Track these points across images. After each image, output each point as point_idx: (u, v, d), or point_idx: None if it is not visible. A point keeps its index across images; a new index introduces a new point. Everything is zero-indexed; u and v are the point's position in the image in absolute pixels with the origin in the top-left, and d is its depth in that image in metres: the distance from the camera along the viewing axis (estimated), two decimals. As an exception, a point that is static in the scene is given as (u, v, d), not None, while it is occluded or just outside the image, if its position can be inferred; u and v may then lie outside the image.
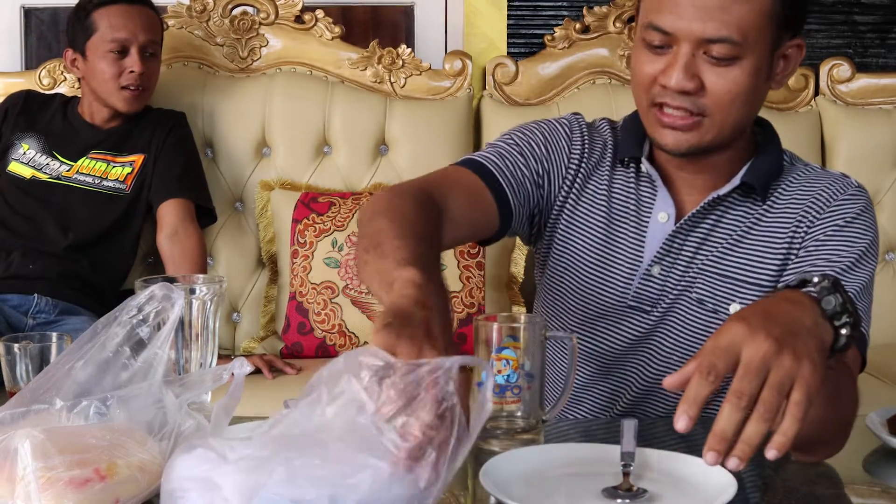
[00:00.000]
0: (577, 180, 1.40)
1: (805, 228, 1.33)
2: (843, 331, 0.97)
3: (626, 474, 1.00)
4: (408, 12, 2.97)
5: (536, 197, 1.39)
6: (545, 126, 1.42)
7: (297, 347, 2.44)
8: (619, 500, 0.97)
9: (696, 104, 1.25)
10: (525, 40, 2.93)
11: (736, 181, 1.34)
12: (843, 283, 1.20)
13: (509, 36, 2.91)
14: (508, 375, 1.16)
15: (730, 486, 0.97)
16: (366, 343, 2.40)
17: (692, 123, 1.26)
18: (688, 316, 1.36)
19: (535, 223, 1.42)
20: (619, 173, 1.40)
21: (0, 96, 2.61)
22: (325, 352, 2.42)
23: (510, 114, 2.70)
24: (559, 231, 1.41)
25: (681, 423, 0.88)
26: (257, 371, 2.23)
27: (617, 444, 1.02)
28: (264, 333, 2.58)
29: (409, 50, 2.74)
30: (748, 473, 1.07)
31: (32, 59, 2.90)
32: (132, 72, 2.40)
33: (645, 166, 1.37)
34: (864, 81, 2.78)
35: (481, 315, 1.21)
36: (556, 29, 2.78)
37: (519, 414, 1.18)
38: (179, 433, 0.97)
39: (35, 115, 2.51)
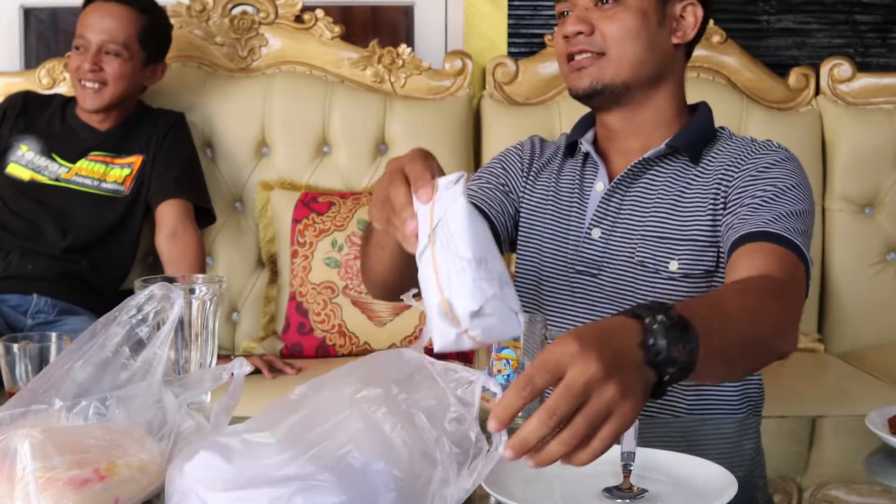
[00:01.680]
0: (531, 177, 1.58)
1: (727, 181, 1.42)
2: (666, 378, 0.92)
3: (626, 474, 1.00)
4: (408, 12, 2.97)
5: (509, 203, 1.57)
6: (499, 154, 1.63)
7: (296, 347, 2.44)
8: (618, 500, 0.97)
9: (592, 43, 1.44)
10: (525, 40, 2.93)
11: (662, 146, 1.47)
12: (770, 209, 1.32)
13: (509, 35, 2.91)
14: (508, 375, 1.16)
15: (730, 486, 0.97)
16: (366, 343, 2.40)
17: (592, 59, 1.44)
18: (633, 279, 1.44)
19: (517, 226, 1.58)
20: (568, 163, 1.57)
21: (0, 96, 2.61)
22: (325, 352, 2.42)
23: (510, 113, 2.70)
24: (521, 222, 1.56)
25: (490, 424, 0.85)
26: (257, 371, 2.23)
27: (617, 444, 1.02)
28: (264, 333, 2.58)
29: (409, 50, 2.74)
30: (748, 473, 1.07)
31: (32, 59, 2.90)
32: (83, 67, 2.39)
33: (584, 146, 1.52)
34: (865, 81, 2.77)
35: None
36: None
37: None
38: (179, 433, 0.97)
39: (34, 116, 2.50)
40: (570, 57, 1.46)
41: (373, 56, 2.72)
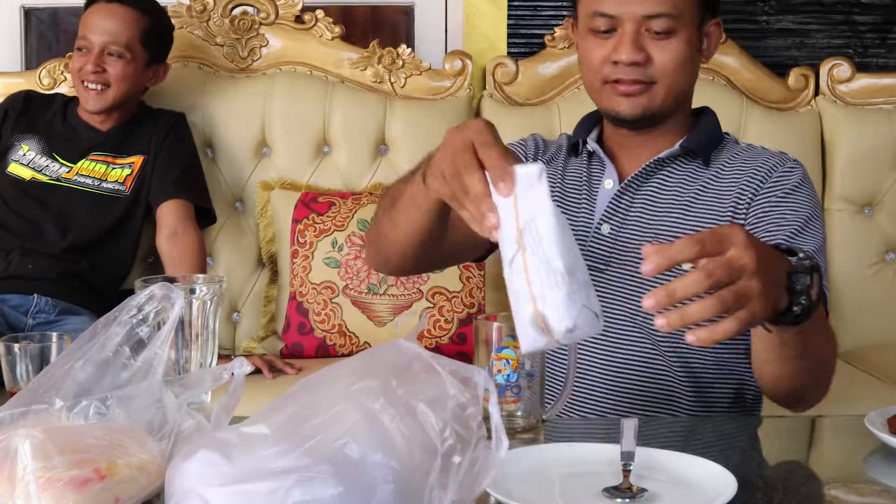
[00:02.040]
0: None
1: (749, 198, 1.43)
2: (795, 308, 1.03)
3: (626, 474, 1.00)
4: (408, 12, 2.97)
5: None
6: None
7: (297, 347, 2.44)
8: (618, 500, 0.97)
9: (645, 73, 1.42)
10: (525, 40, 2.93)
11: (676, 147, 1.48)
12: (795, 244, 1.34)
13: (509, 36, 2.91)
14: (508, 375, 1.17)
15: (730, 486, 0.97)
16: (366, 343, 2.41)
17: (643, 88, 1.42)
18: (642, 276, 1.41)
19: None
20: (573, 162, 1.57)
21: (0, 96, 2.61)
22: (325, 352, 2.42)
23: (510, 114, 2.70)
24: None
25: (646, 265, 0.94)
26: (258, 371, 2.23)
27: (617, 444, 1.02)
28: (264, 333, 2.58)
29: (409, 50, 2.74)
30: (748, 473, 1.07)
31: (32, 59, 2.90)
32: (86, 69, 2.39)
33: (591, 145, 1.52)
34: (865, 81, 2.78)
35: (481, 315, 1.22)
36: (556, 29, 2.78)
37: (519, 413, 1.18)
38: (179, 433, 0.97)
39: (35, 116, 2.51)
40: (615, 79, 1.42)
41: (373, 56, 2.72)
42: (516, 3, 2.92)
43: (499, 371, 1.17)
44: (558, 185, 1.55)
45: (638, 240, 1.45)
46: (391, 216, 1.33)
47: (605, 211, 1.48)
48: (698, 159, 1.48)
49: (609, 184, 1.50)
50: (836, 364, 1.31)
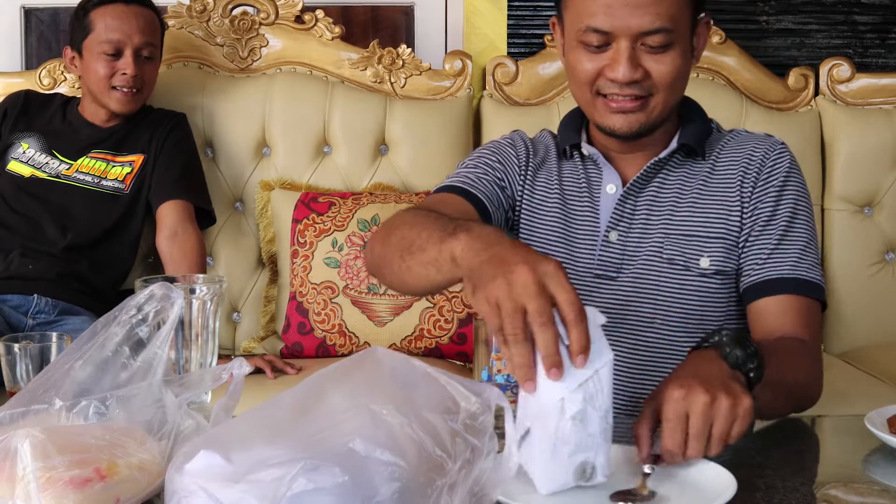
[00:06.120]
0: (528, 177, 1.54)
1: (750, 188, 1.44)
2: (752, 374, 1.11)
3: (644, 477, 1.00)
4: (408, 12, 2.97)
5: (504, 198, 1.53)
6: (491, 144, 1.58)
7: (297, 347, 2.44)
8: (619, 501, 0.97)
9: (642, 88, 1.38)
10: (525, 40, 2.93)
11: (673, 145, 1.47)
12: (788, 241, 1.40)
13: (509, 36, 2.91)
14: (508, 375, 1.17)
15: (730, 486, 0.97)
16: (366, 343, 2.41)
17: (640, 104, 1.39)
18: (657, 278, 1.44)
19: (510, 226, 1.55)
20: (566, 164, 1.54)
21: (0, 96, 2.61)
22: (326, 352, 2.42)
23: (510, 114, 2.70)
24: (522, 225, 1.53)
25: (641, 458, 1.04)
26: (258, 371, 2.23)
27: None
28: (264, 333, 2.58)
29: (409, 50, 2.74)
30: (748, 473, 1.07)
31: (32, 59, 2.90)
32: (124, 73, 2.39)
33: (586, 149, 1.50)
34: (864, 81, 2.78)
35: (481, 315, 1.21)
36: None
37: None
38: (179, 433, 0.97)
39: (34, 115, 2.51)
40: (606, 94, 1.38)
41: (373, 56, 2.72)
42: (516, 3, 2.92)
43: (498, 371, 1.17)
44: (556, 190, 1.52)
45: (649, 242, 1.44)
46: (406, 263, 1.21)
47: (612, 217, 1.46)
48: (695, 154, 1.48)
49: (611, 188, 1.48)
50: (820, 374, 1.38)
